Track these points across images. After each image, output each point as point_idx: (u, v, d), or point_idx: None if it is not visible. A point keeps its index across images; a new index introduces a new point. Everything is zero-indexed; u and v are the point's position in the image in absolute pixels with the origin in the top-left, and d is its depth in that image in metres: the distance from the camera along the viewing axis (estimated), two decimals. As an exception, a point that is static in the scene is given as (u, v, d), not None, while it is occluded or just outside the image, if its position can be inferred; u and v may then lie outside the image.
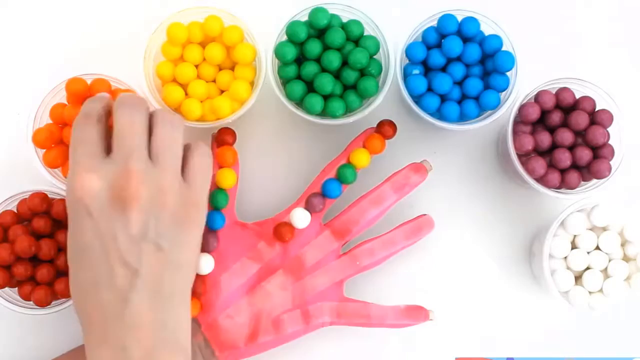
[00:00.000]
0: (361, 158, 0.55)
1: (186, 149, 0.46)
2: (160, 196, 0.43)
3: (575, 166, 0.54)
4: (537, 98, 0.55)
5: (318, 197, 0.55)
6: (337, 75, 0.54)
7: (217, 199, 0.54)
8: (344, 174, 0.55)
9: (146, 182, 0.42)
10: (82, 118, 0.45)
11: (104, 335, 0.42)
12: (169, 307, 0.43)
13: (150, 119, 0.45)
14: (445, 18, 0.54)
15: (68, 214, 0.43)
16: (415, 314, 0.55)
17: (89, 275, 0.42)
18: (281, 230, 0.54)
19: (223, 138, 0.55)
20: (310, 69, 0.53)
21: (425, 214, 0.56)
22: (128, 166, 0.42)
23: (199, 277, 0.53)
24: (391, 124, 0.56)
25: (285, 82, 0.54)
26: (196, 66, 0.54)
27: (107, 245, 0.41)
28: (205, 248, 0.53)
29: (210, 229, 0.54)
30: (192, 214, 0.45)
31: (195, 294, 0.53)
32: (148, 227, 0.42)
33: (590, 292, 0.54)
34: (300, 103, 0.54)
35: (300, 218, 0.54)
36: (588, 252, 0.55)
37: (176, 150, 0.45)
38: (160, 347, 0.42)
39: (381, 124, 0.56)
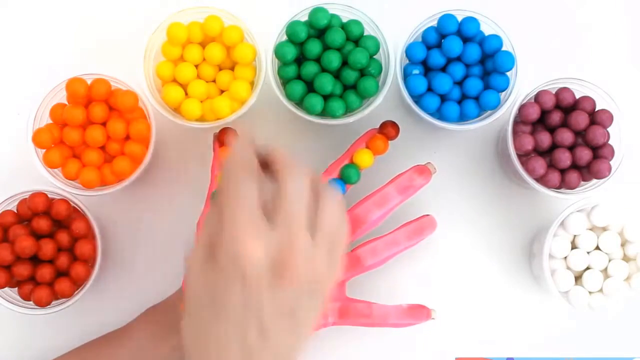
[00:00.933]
0: (365, 158, 0.55)
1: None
2: (314, 281, 0.42)
3: (575, 166, 0.54)
4: (537, 98, 0.55)
5: None
6: (337, 75, 0.54)
7: (217, 199, 0.54)
8: (348, 174, 0.55)
9: (306, 262, 0.41)
10: (240, 169, 0.42)
11: None
12: None
13: (316, 189, 0.44)
14: (445, 18, 0.54)
15: (217, 266, 0.41)
16: (418, 313, 0.55)
17: (221, 328, 0.42)
18: None
19: (225, 138, 0.55)
20: (310, 69, 0.53)
21: (428, 214, 0.56)
22: (293, 243, 0.40)
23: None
24: (394, 125, 0.56)
25: (285, 82, 0.54)
26: (196, 66, 0.54)
27: (250, 311, 0.41)
28: None
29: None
30: (326, 295, 0.44)
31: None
32: (293, 306, 0.42)
33: (590, 292, 0.54)
34: (300, 103, 0.54)
35: None
36: (588, 252, 0.55)
37: (339, 232, 0.44)
38: None
39: (384, 124, 0.56)
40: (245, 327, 0.41)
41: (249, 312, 0.41)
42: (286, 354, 0.43)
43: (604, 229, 0.55)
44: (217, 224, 0.41)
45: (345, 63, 0.53)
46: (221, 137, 0.55)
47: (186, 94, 0.54)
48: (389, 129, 0.56)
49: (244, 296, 0.41)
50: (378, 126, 0.56)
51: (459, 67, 0.54)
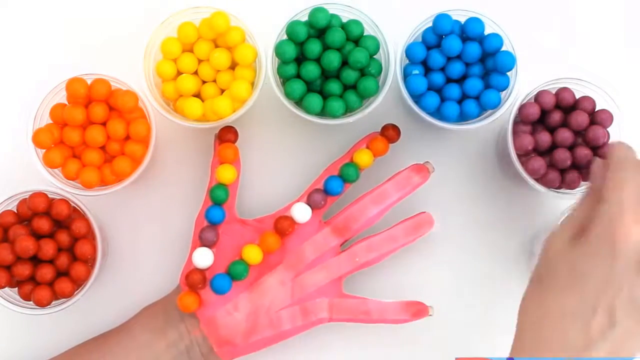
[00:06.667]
0: (364, 158, 0.55)
1: None
2: None
3: (575, 166, 0.54)
4: (537, 98, 0.55)
5: (320, 193, 0.55)
6: (337, 75, 0.54)
7: (217, 193, 0.54)
8: (346, 172, 0.55)
9: None
10: (632, 164, 0.46)
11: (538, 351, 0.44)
12: None
13: None
14: (440, 18, 0.54)
15: (585, 242, 0.44)
16: (415, 309, 0.55)
17: (571, 301, 0.44)
18: (282, 224, 0.54)
19: (225, 136, 0.55)
20: (310, 68, 0.53)
21: (424, 212, 0.56)
22: None
23: (198, 271, 0.53)
24: (395, 129, 0.56)
25: (284, 80, 0.54)
26: (196, 67, 0.54)
27: (608, 288, 0.43)
28: (204, 242, 0.54)
29: (210, 223, 0.54)
30: None
31: (194, 288, 0.53)
32: None
33: (590, 292, 0.54)
34: (300, 102, 0.54)
35: (301, 212, 0.54)
36: (588, 252, 0.55)
37: None
38: None
39: (385, 127, 0.56)
40: (596, 305, 0.43)
41: (608, 289, 0.43)
42: (623, 355, 0.44)
43: (604, 229, 0.55)
44: (590, 209, 0.45)
45: (345, 63, 0.53)
46: (222, 135, 0.55)
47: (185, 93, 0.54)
48: (390, 132, 0.56)
49: (608, 271, 0.43)
50: (379, 129, 0.56)
51: (459, 65, 0.54)
